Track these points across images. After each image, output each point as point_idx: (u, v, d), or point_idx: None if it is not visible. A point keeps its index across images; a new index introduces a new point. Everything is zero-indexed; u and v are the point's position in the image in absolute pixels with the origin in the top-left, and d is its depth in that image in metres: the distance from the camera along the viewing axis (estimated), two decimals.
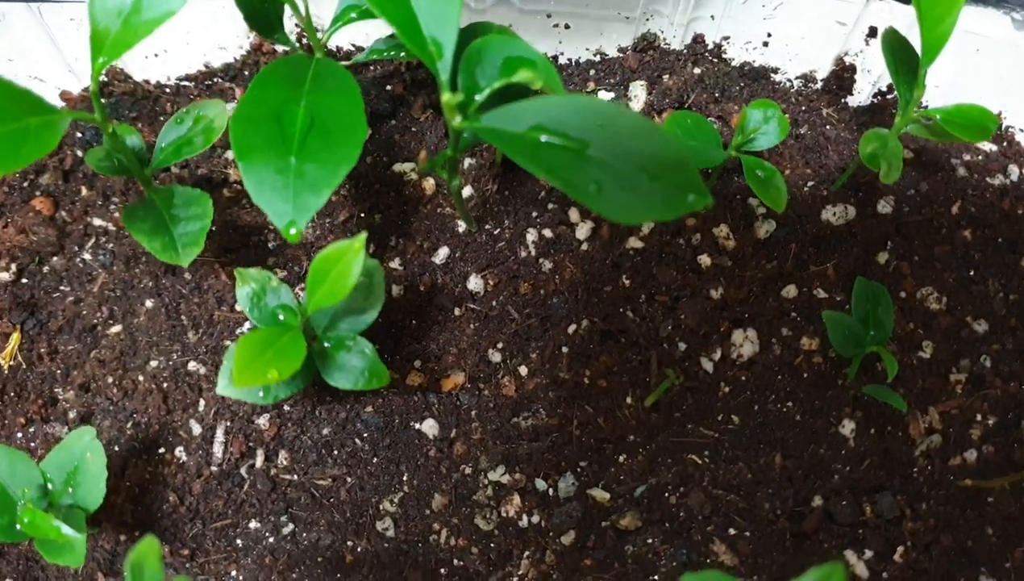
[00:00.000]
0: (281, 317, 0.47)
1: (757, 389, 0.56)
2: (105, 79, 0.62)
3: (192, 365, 0.55)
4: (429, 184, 0.59)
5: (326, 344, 0.47)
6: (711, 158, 0.54)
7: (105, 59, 0.41)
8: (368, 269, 0.47)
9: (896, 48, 0.52)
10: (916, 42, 0.50)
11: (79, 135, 0.61)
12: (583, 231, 0.58)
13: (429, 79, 0.61)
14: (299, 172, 0.43)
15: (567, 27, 0.61)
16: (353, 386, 0.47)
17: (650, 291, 0.57)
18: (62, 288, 0.58)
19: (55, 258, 0.59)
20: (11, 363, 0.56)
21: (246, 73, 0.62)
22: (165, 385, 0.54)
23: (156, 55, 0.60)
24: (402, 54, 0.52)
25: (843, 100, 0.63)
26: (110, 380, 0.55)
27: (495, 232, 0.58)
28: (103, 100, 0.61)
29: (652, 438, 0.55)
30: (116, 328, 0.56)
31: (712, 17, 0.60)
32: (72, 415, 0.54)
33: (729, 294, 0.57)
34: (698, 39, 0.63)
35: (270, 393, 0.47)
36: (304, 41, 0.61)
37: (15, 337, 0.57)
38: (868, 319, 0.54)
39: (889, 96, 0.63)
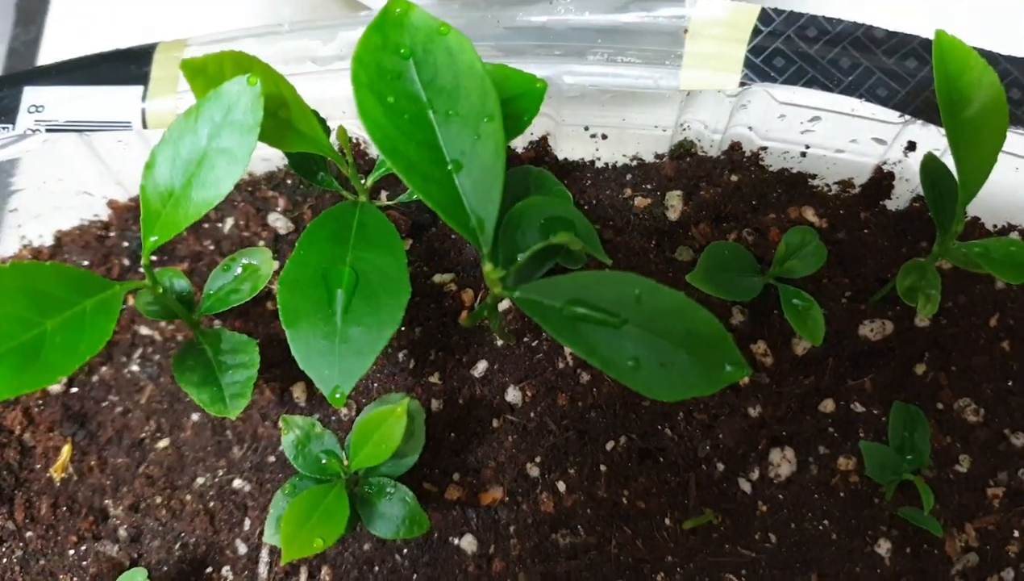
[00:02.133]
0: (324, 461, 0.48)
1: (794, 508, 0.56)
2: None
3: (237, 483, 0.57)
4: (468, 295, 0.60)
5: (367, 490, 0.49)
6: (749, 289, 0.54)
7: (156, 238, 0.42)
8: (411, 412, 0.48)
9: (935, 177, 0.52)
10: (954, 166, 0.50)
11: (125, 244, 0.63)
12: None
13: None
14: (344, 336, 0.44)
15: (604, 137, 0.62)
16: (394, 535, 0.48)
17: (688, 409, 0.57)
18: (111, 398, 0.60)
19: (104, 368, 0.61)
20: (63, 476, 0.58)
21: (288, 182, 0.63)
22: (211, 504, 0.56)
23: None
24: None
25: (881, 204, 0.63)
26: (159, 500, 0.56)
27: (533, 344, 0.59)
28: None
29: (690, 558, 0.55)
30: (164, 443, 0.58)
31: (750, 128, 0.60)
32: (122, 533, 0.56)
33: (767, 412, 0.57)
34: (735, 147, 0.63)
35: None
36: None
37: (66, 449, 0.59)
38: (904, 446, 0.54)
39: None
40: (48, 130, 0.55)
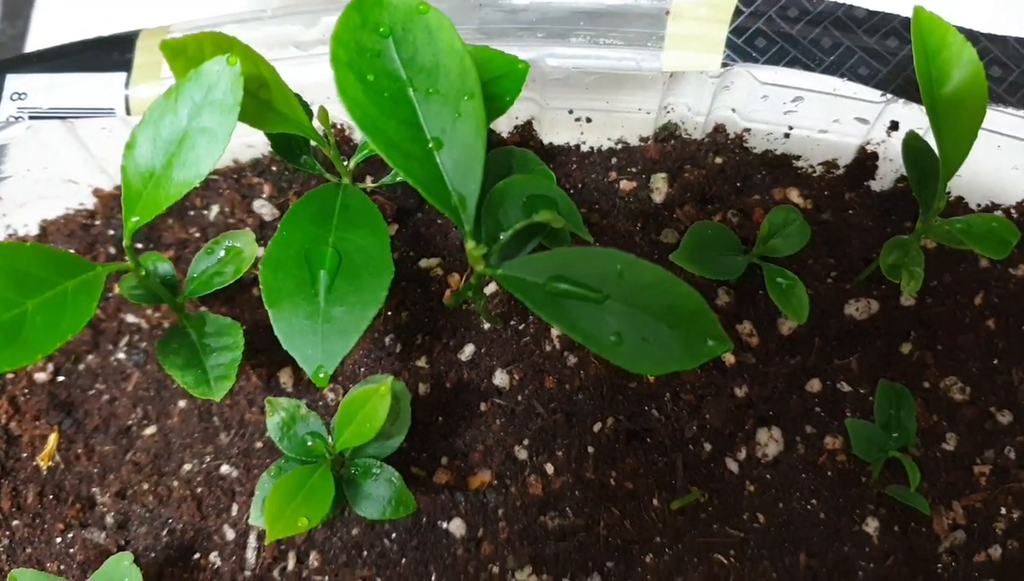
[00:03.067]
0: (310, 443, 0.48)
1: (782, 488, 0.56)
2: None
3: (224, 468, 0.57)
4: (455, 279, 0.60)
5: (353, 471, 0.49)
6: (732, 268, 0.54)
7: (138, 219, 0.42)
8: (396, 394, 0.48)
9: (917, 155, 0.52)
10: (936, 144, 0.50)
11: (111, 233, 0.63)
12: None
13: None
14: (327, 316, 0.44)
15: (588, 120, 0.62)
16: (380, 516, 0.48)
17: (674, 389, 0.57)
18: (97, 386, 0.60)
19: (90, 356, 0.61)
20: (49, 464, 0.58)
21: (273, 169, 0.63)
22: (199, 490, 0.56)
23: None
24: None
25: (866, 184, 0.63)
26: (146, 487, 0.56)
27: (520, 327, 0.59)
28: None
29: (679, 539, 0.55)
30: (151, 430, 0.58)
31: (733, 110, 0.61)
32: (109, 520, 0.56)
33: (753, 392, 0.57)
34: (719, 129, 0.63)
35: None
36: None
37: (53, 437, 0.58)
38: (890, 424, 0.54)
39: None
40: (31, 117, 0.55)
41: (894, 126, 0.59)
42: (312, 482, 0.45)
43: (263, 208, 0.62)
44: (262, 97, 0.45)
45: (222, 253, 0.50)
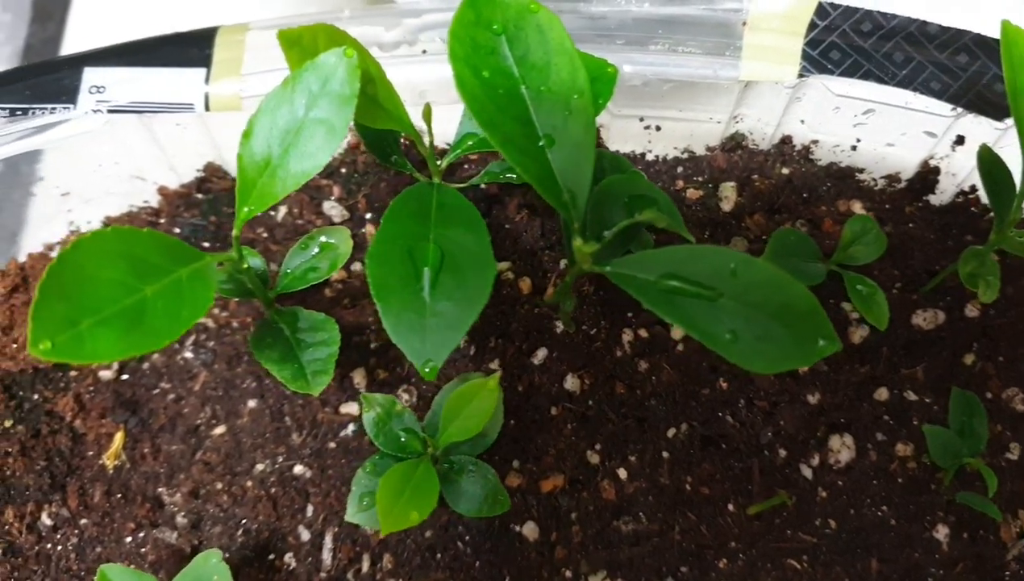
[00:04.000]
0: (403, 439, 0.48)
1: (853, 494, 0.57)
2: (204, 175, 0.63)
3: (298, 469, 0.56)
4: (526, 283, 0.60)
5: (448, 468, 0.48)
6: (813, 275, 0.55)
7: (251, 209, 0.42)
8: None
9: (991, 167, 0.53)
10: (1008, 158, 0.51)
11: (176, 230, 0.62)
12: (678, 332, 0.59)
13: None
14: (433, 311, 0.44)
15: (658, 129, 0.62)
16: (477, 513, 0.48)
17: (748, 396, 0.58)
18: (162, 385, 0.59)
19: (155, 355, 0.60)
20: (116, 463, 0.57)
21: (343, 171, 0.63)
22: (273, 491, 0.55)
23: None
24: (511, 176, 0.52)
25: (925, 198, 0.64)
26: (219, 486, 0.56)
27: (591, 332, 0.59)
28: (201, 195, 0.62)
29: (753, 544, 0.56)
30: (220, 429, 0.57)
31: (802, 122, 0.61)
32: (181, 520, 0.55)
33: (825, 399, 0.58)
34: (786, 140, 0.63)
35: None
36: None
37: (119, 436, 0.58)
38: (964, 431, 0.55)
39: (971, 195, 0.64)
40: (110, 111, 0.55)
41: (959, 141, 0.60)
42: (417, 477, 0.44)
43: (332, 209, 0.62)
44: (369, 93, 0.45)
45: (316, 249, 0.50)
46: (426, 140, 0.48)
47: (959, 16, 0.59)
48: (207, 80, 0.56)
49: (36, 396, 0.59)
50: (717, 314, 0.41)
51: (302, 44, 0.43)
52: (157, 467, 0.57)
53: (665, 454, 0.57)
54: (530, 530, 0.56)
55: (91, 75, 0.56)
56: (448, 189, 0.49)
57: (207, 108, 0.56)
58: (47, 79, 0.55)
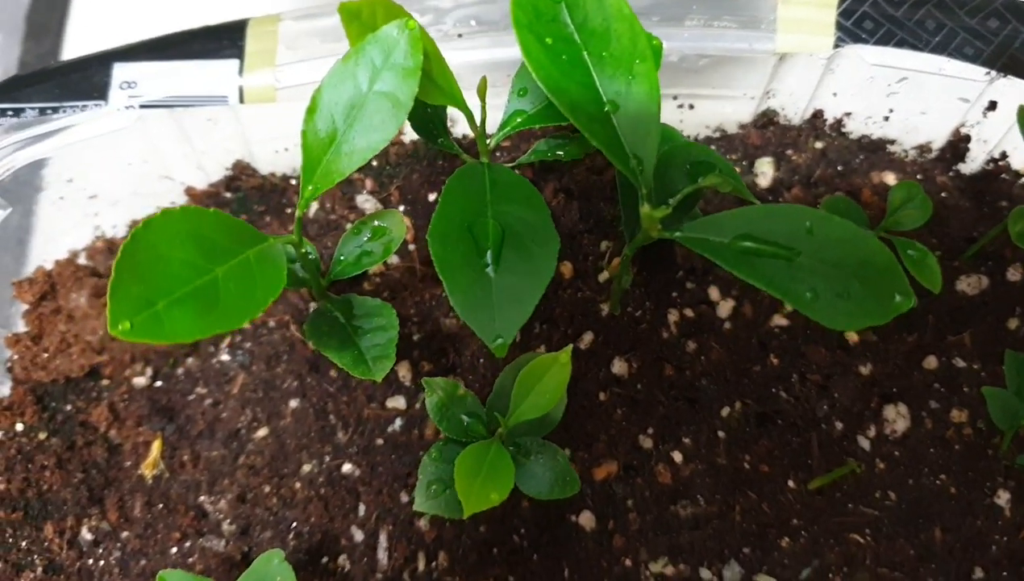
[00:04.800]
0: (466, 423, 0.47)
1: (911, 464, 0.56)
2: (232, 173, 0.61)
3: (347, 467, 0.54)
4: (567, 268, 0.59)
5: (516, 450, 0.47)
6: None
7: (314, 188, 0.40)
8: None
9: None
10: None
11: None
12: (725, 310, 0.58)
13: (558, 165, 0.61)
14: (499, 287, 0.43)
15: (691, 107, 0.62)
16: (548, 495, 0.46)
17: (800, 370, 0.57)
18: (198, 390, 0.57)
19: (189, 359, 0.58)
20: (154, 472, 0.55)
21: (374, 164, 0.62)
22: (323, 491, 0.54)
23: (286, 149, 0.60)
24: (560, 153, 0.52)
25: (956, 167, 0.64)
26: (267, 489, 0.54)
27: (636, 314, 0.58)
28: (230, 194, 0.61)
29: (815, 520, 0.55)
30: (262, 432, 0.55)
31: (835, 94, 0.61)
32: (228, 527, 0.53)
33: (877, 369, 0.57)
34: (817, 114, 0.63)
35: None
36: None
37: (156, 444, 0.56)
38: (1021, 392, 0.54)
39: (1001, 162, 0.64)
40: (143, 106, 0.53)
41: (991, 106, 0.60)
42: (490, 458, 0.43)
43: (366, 203, 0.60)
44: (424, 68, 0.44)
45: (368, 234, 0.49)
46: (478, 118, 0.47)
47: None
48: (240, 72, 0.55)
49: (69, 407, 0.56)
50: (796, 273, 0.41)
51: (361, 18, 0.42)
52: (198, 475, 0.55)
53: (720, 434, 0.56)
54: (586, 519, 0.54)
55: (121, 71, 0.54)
56: (500, 168, 0.48)
57: (241, 100, 0.54)
58: (76, 76, 0.53)
